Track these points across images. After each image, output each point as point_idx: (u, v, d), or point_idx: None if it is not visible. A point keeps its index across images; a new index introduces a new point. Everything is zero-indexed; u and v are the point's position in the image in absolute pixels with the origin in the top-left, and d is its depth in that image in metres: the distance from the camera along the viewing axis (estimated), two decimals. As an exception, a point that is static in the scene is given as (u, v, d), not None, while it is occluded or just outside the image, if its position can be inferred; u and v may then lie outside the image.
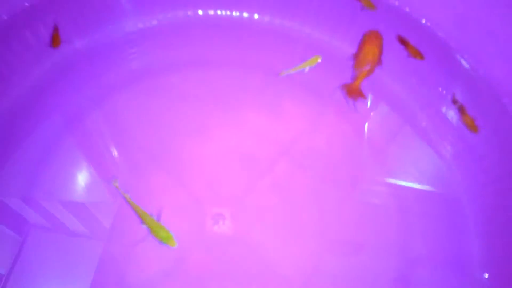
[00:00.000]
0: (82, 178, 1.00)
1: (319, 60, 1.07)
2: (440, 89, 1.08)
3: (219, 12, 1.17)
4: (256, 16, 1.17)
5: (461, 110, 1.01)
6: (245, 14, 1.17)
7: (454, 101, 1.02)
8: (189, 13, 1.17)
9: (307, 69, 1.07)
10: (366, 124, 1.08)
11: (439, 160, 1.03)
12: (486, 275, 0.91)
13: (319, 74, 1.11)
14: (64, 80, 1.08)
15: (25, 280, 0.89)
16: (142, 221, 0.91)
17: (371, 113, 1.09)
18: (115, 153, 1.02)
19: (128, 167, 1.00)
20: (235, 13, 1.17)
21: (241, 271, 0.92)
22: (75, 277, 0.90)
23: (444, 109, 1.06)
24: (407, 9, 1.09)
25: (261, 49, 1.14)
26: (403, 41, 1.06)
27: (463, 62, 1.06)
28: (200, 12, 1.18)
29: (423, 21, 1.08)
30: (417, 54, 1.05)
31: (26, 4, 1.07)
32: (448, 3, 1.04)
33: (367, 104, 1.08)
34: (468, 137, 1.02)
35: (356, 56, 1.01)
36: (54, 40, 1.06)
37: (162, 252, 0.93)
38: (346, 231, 0.97)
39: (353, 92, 1.01)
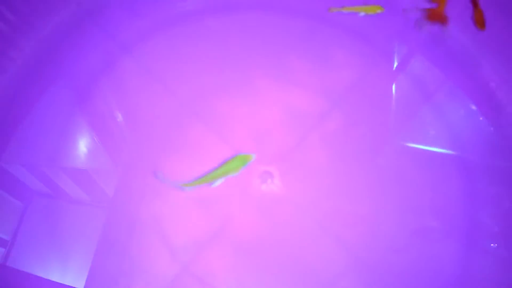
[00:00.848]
0: (117, 134, 0.92)
1: (379, 11, 0.97)
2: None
3: None
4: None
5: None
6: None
7: None
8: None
9: (362, 14, 0.97)
10: (424, 76, 0.98)
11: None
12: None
13: (370, 21, 1.00)
14: (91, 24, 0.98)
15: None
16: (212, 183, 0.85)
17: (430, 64, 0.99)
18: (149, 105, 0.93)
19: (165, 121, 0.92)
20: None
21: (292, 233, 0.86)
22: (118, 240, 0.84)
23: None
24: None
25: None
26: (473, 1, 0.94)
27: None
28: None
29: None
30: (481, 22, 0.93)
31: None
32: None
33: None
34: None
35: None
36: None
37: (207, 212, 0.86)
38: (405, 192, 0.89)
39: (437, 17, 0.94)
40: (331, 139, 0.92)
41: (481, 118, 0.94)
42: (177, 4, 1.01)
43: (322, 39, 1.00)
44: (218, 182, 0.85)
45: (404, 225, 0.87)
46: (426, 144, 0.93)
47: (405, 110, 0.96)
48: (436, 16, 0.94)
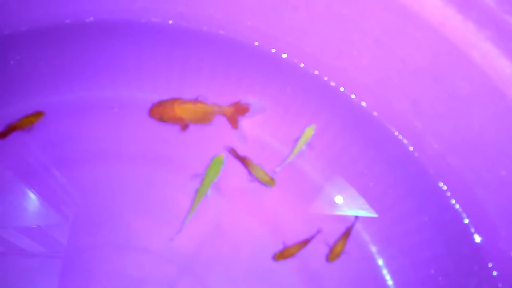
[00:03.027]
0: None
1: (313, 132, 0.88)
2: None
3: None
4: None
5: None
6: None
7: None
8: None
9: (304, 146, 0.88)
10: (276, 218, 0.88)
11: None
12: None
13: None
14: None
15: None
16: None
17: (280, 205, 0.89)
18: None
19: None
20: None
21: None
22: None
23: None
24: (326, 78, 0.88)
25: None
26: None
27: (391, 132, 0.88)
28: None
29: (342, 89, 0.89)
30: (335, 255, 0.83)
31: None
32: (365, 68, 0.84)
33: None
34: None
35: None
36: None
37: None
38: None
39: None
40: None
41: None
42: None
43: (161, 188, 0.88)
44: (209, 191, 0.85)
45: None
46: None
47: (260, 257, 0.86)
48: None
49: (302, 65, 0.91)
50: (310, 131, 0.88)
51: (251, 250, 0.85)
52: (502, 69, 0.65)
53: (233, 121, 0.89)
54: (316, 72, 0.90)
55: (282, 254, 0.82)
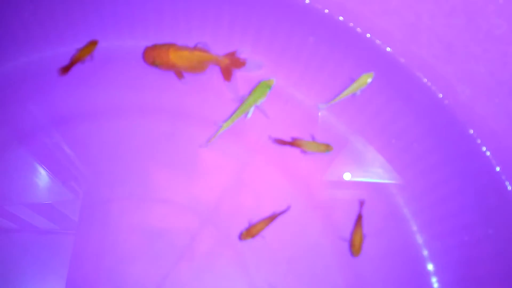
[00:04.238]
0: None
1: (369, 80, 0.83)
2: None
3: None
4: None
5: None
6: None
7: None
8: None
9: (358, 92, 0.84)
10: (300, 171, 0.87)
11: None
12: None
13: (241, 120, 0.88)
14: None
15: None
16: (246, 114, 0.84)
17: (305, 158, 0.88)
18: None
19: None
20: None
21: None
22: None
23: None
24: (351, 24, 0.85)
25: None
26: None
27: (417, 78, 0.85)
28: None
29: (368, 36, 0.86)
30: (357, 246, 0.80)
31: None
32: (395, 11, 0.81)
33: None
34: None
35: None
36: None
37: None
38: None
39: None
40: (202, 264, 0.81)
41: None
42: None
43: (187, 141, 0.87)
44: (251, 112, 0.84)
45: None
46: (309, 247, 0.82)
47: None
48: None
49: (326, 11, 0.88)
50: (367, 78, 0.83)
51: (273, 202, 0.84)
52: (544, 2, 0.61)
53: (227, 73, 0.86)
54: (341, 18, 0.87)
55: (249, 233, 0.80)
